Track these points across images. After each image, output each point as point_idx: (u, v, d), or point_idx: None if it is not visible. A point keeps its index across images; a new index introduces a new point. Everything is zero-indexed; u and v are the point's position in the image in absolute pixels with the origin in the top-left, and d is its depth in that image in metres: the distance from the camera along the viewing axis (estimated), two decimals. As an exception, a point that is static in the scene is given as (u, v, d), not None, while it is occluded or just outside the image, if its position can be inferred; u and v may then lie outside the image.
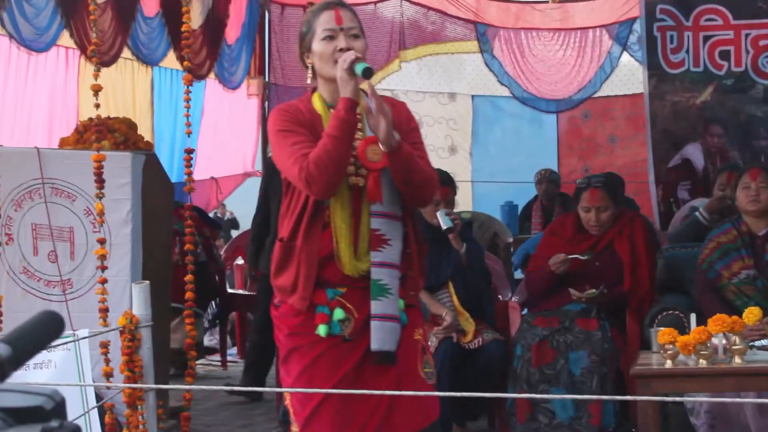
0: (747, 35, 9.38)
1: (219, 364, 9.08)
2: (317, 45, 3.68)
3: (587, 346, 5.65)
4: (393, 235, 3.64)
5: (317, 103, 3.72)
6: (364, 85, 3.66)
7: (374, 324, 3.59)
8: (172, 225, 6.75)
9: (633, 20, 9.90)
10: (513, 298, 6.53)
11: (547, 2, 9.98)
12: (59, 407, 1.44)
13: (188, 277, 5.39)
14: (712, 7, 9.43)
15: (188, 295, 5.38)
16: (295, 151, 3.57)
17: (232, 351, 9.58)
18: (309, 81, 3.76)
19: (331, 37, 3.66)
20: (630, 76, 10.12)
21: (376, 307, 3.60)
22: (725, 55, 9.45)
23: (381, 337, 3.59)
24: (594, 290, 5.91)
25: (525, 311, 6.35)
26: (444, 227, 5.91)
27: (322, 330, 3.60)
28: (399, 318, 3.64)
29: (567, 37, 10.19)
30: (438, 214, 5.93)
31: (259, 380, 7.24)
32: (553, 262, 5.99)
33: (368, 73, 3.54)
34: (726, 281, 5.58)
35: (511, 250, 8.36)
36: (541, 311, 6.04)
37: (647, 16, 9.56)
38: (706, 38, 9.49)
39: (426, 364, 3.72)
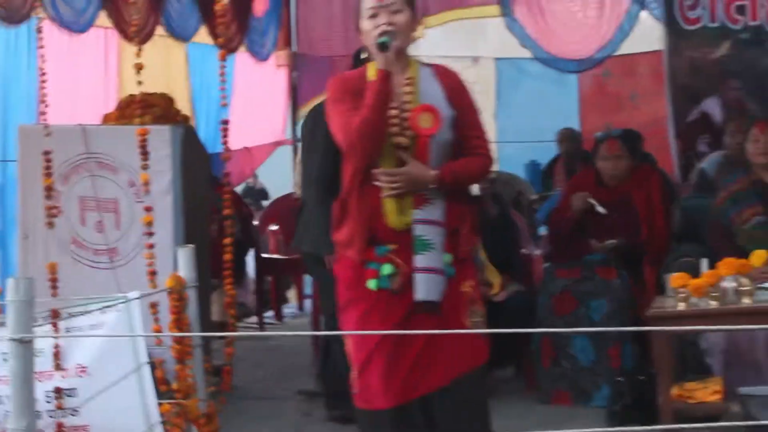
0: (763, -11, 9.58)
1: (256, 326, 9.46)
2: (364, 23, 4.06)
3: (607, 294, 5.94)
4: (434, 195, 3.98)
5: (371, 72, 4.05)
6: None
7: (418, 276, 3.95)
8: (210, 194, 7.07)
9: (650, -22, 10.08)
10: (536, 252, 6.84)
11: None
12: None
13: (227, 257, 5.75)
14: (728, -38, 9.63)
15: (226, 273, 5.74)
16: (343, 120, 3.97)
17: (269, 313, 9.96)
18: (365, 55, 4.14)
19: (374, 15, 4.01)
20: (649, 34, 10.27)
21: (419, 260, 3.95)
22: (741, 10, 9.64)
23: (425, 288, 3.95)
24: (613, 241, 6.20)
25: (548, 264, 6.65)
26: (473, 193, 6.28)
27: (372, 284, 3.98)
28: (443, 270, 3.98)
29: (586, -2, 10.37)
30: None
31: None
32: (575, 197, 6.29)
33: (382, 47, 3.91)
34: (738, 227, 5.87)
35: (535, 207, 8.65)
36: (563, 263, 6.34)
37: (664, -27, 9.77)
38: (723, -7, 9.70)
39: (473, 313, 4.06)
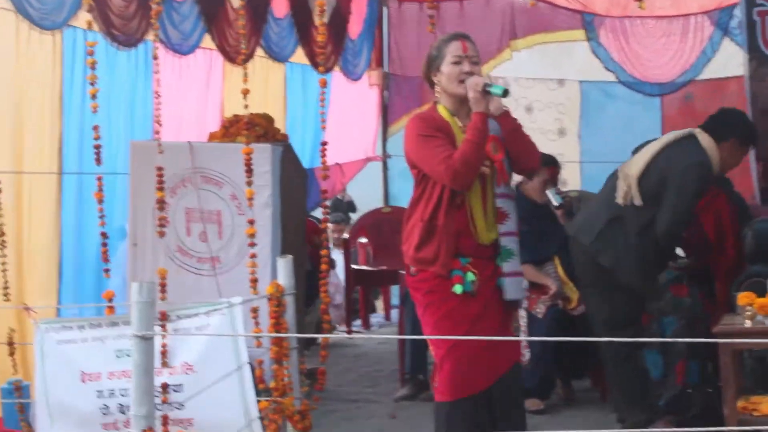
0: None
1: (345, 333, 9.87)
2: (446, 67, 4.63)
3: (677, 312, 6.21)
4: (510, 210, 4.67)
5: (444, 113, 4.67)
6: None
7: (506, 280, 4.63)
8: (306, 206, 7.49)
9: (733, 6, 10.24)
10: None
11: (651, -9, 10.33)
12: None
13: (323, 267, 6.14)
14: (811, -10, 9.80)
15: (322, 282, 6.13)
16: (439, 153, 4.53)
17: (357, 322, 10.37)
18: (437, 95, 4.71)
19: (458, 63, 4.61)
20: (731, 60, 10.44)
21: (506, 267, 4.63)
22: (822, 38, 9.84)
23: (512, 289, 4.64)
24: (685, 259, 6.48)
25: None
26: (555, 204, 6.73)
27: (458, 289, 4.58)
28: (522, 273, 4.73)
29: (670, 24, 10.60)
30: (548, 192, 6.72)
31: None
32: None
33: (506, 93, 4.50)
34: (806, 251, 6.14)
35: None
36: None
37: (747, 1, 9.98)
38: (805, 21, 9.88)
39: (515, 320, 4.95)
